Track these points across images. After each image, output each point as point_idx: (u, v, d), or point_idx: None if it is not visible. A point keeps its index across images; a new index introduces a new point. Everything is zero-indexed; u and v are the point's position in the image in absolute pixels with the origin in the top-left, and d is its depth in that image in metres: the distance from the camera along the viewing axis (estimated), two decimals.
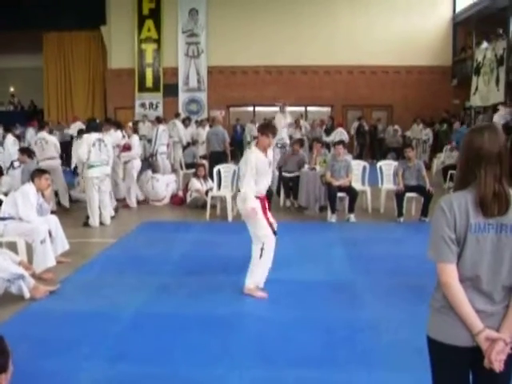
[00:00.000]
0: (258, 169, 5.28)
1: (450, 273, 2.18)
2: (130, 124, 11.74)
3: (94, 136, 8.78)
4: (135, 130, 12.04)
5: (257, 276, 5.35)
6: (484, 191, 2.13)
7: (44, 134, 10.49)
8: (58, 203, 10.22)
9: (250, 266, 5.35)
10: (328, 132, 17.79)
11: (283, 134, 14.93)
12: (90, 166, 8.68)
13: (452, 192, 2.28)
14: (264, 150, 5.40)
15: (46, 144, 10.15)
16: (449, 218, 2.17)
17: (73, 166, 12.47)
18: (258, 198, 5.31)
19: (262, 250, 5.23)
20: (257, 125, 19.20)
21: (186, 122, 16.14)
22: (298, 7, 20.75)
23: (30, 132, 16.19)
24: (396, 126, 19.56)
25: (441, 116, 19.54)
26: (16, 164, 10.32)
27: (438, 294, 2.28)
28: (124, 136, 11.06)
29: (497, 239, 2.16)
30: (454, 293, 2.17)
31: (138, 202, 10.78)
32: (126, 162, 10.66)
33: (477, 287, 2.19)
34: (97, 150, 8.69)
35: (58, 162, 10.53)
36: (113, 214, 9.36)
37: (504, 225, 2.15)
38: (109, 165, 9.06)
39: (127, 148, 10.53)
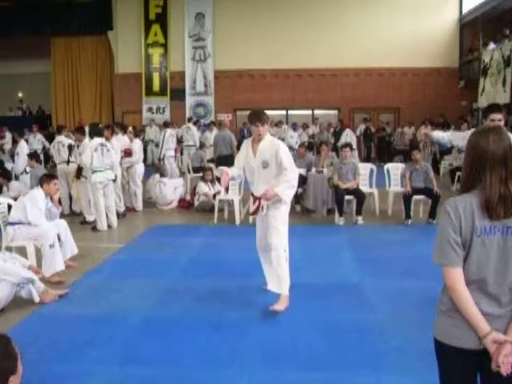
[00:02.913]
0: (245, 164, 5.08)
1: (456, 276, 2.18)
2: (131, 128, 11.72)
3: (96, 141, 8.79)
4: (136, 135, 12.04)
5: (287, 281, 5.02)
6: (489, 194, 2.13)
7: (62, 137, 10.51)
8: (71, 206, 10.31)
9: (276, 274, 4.99)
10: (337, 135, 17.78)
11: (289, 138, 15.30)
12: (94, 171, 8.71)
13: (457, 194, 2.29)
14: (255, 141, 5.02)
15: (63, 148, 10.20)
16: (454, 222, 2.17)
17: None
18: (253, 195, 5.09)
19: (285, 251, 4.98)
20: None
21: (195, 125, 16.26)
22: (305, 11, 20.81)
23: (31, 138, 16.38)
24: (404, 129, 19.53)
25: (439, 121, 19.48)
26: (28, 169, 10.41)
27: (445, 297, 2.28)
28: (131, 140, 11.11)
29: (503, 242, 2.16)
30: (460, 296, 2.17)
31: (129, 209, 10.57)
32: (128, 168, 10.70)
33: (483, 290, 2.19)
34: (99, 155, 8.71)
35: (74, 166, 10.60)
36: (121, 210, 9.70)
37: (510, 227, 2.15)
38: (112, 169, 9.06)
39: (128, 153, 10.55)
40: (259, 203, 4.97)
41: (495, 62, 16.25)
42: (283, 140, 18.02)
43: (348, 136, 16.86)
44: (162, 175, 11.50)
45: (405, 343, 4.27)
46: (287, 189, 4.86)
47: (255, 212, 5.09)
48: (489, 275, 2.18)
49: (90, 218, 9.28)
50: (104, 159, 8.78)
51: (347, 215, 9.25)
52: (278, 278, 4.98)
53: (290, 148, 15.76)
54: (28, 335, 4.41)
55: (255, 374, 3.85)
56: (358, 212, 9.09)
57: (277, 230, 4.93)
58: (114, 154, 9.12)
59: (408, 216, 8.95)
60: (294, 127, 18.43)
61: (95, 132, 9.02)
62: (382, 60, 20.59)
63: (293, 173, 4.89)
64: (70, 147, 10.21)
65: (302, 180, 9.92)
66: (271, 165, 4.91)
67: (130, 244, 7.97)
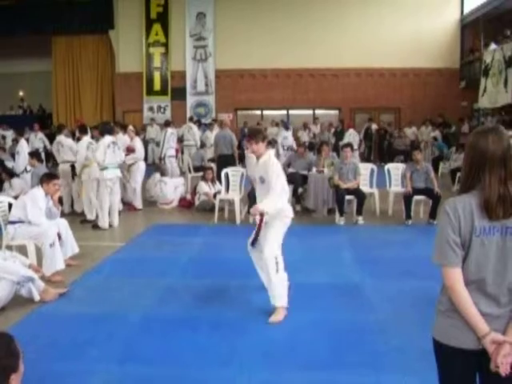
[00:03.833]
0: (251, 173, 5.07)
1: (455, 276, 2.18)
2: (131, 127, 11.77)
3: (108, 139, 8.90)
4: (137, 133, 12.05)
5: (281, 291, 4.88)
6: (489, 194, 2.14)
7: (61, 137, 10.51)
8: (72, 205, 10.31)
9: (270, 284, 4.90)
10: (338, 135, 17.76)
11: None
12: (105, 168, 8.77)
13: (457, 195, 2.29)
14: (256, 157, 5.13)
15: (62, 148, 10.20)
16: (453, 222, 2.18)
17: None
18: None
19: (276, 263, 4.81)
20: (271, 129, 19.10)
21: (195, 124, 16.28)
22: (306, 10, 20.80)
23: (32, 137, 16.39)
24: (405, 129, 19.57)
25: (437, 121, 19.54)
26: (28, 168, 10.42)
27: (444, 297, 2.29)
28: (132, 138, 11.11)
29: (502, 242, 2.16)
30: (459, 296, 2.18)
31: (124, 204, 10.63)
32: (130, 165, 10.71)
33: (482, 290, 2.19)
34: (111, 152, 8.83)
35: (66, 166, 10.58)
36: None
37: (509, 227, 2.15)
38: (119, 167, 9.20)
39: (131, 150, 10.58)
40: (261, 219, 4.93)
41: (496, 63, 16.24)
42: (275, 142, 17.82)
43: (351, 136, 16.87)
44: (163, 174, 11.51)
45: (405, 343, 4.27)
46: (270, 206, 4.79)
47: (257, 233, 4.99)
48: (488, 275, 2.18)
49: (90, 216, 9.30)
50: (115, 156, 8.92)
51: (348, 215, 9.25)
52: (272, 288, 4.89)
53: (286, 149, 15.60)
54: (28, 334, 4.41)
55: (255, 373, 3.85)
56: (359, 212, 9.09)
57: (268, 240, 4.89)
58: (122, 151, 9.29)
59: (408, 216, 8.95)
60: (286, 126, 17.46)
61: (107, 130, 9.11)
62: (383, 60, 20.58)
63: (278, 193, 4.84)
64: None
65: (303, 180, 9.94)
66: (267, 181, 4.91)
67: (130, 243, 7.98)
